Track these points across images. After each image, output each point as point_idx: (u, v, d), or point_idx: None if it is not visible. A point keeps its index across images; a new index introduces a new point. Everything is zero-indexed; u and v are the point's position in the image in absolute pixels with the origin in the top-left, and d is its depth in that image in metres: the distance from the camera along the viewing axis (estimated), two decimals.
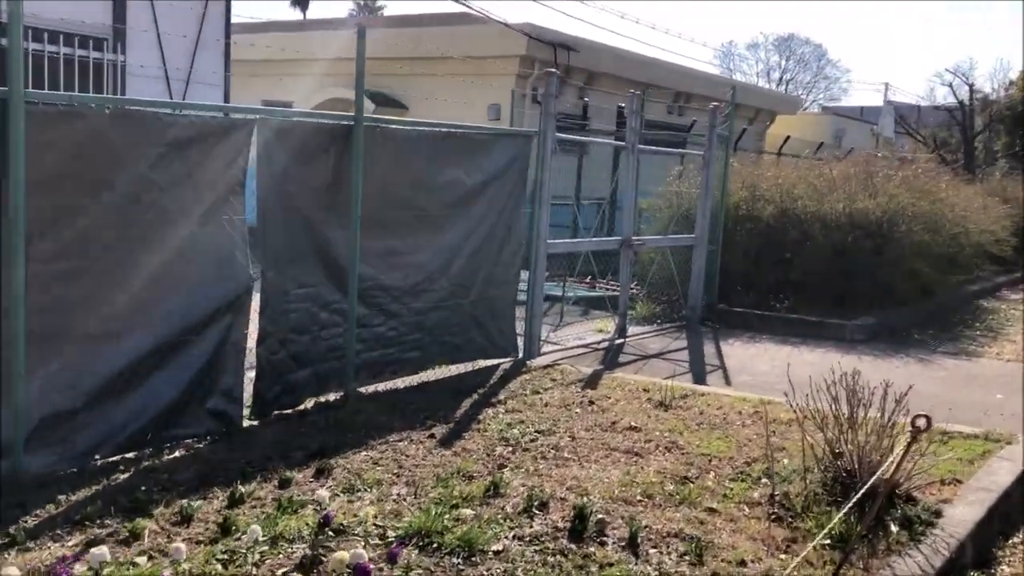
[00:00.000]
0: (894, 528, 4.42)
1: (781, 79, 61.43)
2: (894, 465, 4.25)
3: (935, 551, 4.27)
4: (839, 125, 33.33)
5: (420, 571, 3.75)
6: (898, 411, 4.72)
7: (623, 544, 4.13)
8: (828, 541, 4.19)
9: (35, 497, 4.40)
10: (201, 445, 5.47)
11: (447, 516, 4.23)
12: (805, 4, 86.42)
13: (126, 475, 4.82)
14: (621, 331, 10.00)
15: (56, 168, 4.82)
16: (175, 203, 5.41)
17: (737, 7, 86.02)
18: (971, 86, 29.13)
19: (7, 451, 4.70)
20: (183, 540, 3.90)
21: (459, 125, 7.55)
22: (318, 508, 4.19)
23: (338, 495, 4.55)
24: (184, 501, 4.29)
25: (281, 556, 3.78)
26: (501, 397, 6.78)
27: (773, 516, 4.57)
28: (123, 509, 4.25)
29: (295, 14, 48.70)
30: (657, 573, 3.89)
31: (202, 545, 3.88)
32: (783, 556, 4.12)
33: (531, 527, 4.25)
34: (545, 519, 4.35)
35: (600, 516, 4.35)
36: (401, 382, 7.08)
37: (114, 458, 5.10)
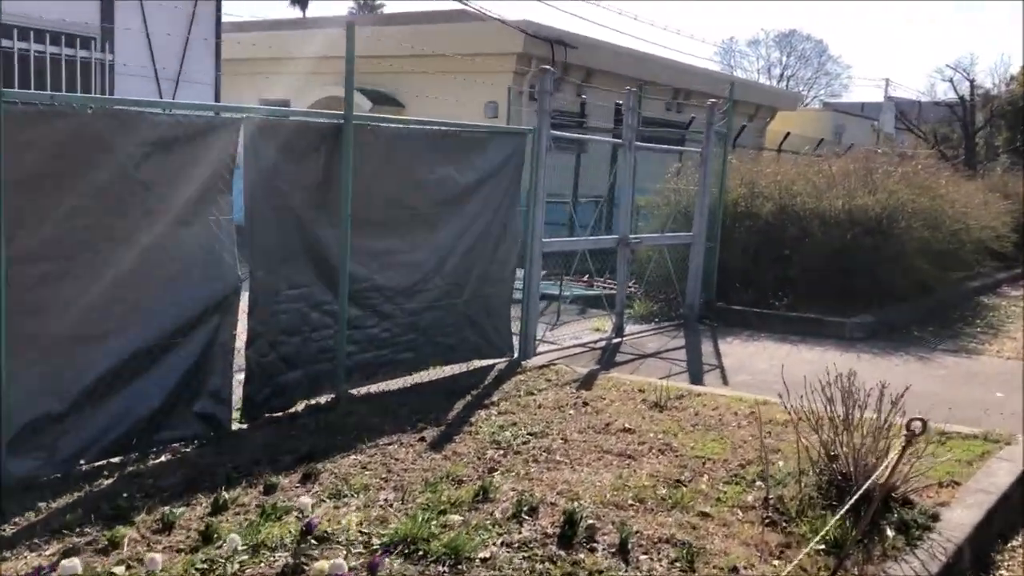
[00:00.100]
0: (890, 533, 4.34)
1: (782, 75, 61.32)
2: (889, 469, 4.17)
3: (932, 556, 4.18)
4: (839, 121, 33.18)
5: None
6: (894, 412, 4.64)
7: (613, 550, 4.05)
8: (823, 546, 4.11)
9: (16, 504, 4.33)
10: (188, 449, 5.39)
11: (434, 522, 4.15)
12: (806, 1, 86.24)
13: (110, 481, 4.75)
14: (618, 330, 9.92)
15: (37, 168, 4.74)
16: (161, 203, 5.33)
17: (738, 4, 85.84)
18: (972, 81, 28.99)
19: None
20: (163, 549, 3.82)
21: (452, 123, 7.46)
22: (300, 516, 4.11)
23: (324, 501, 4.47)
24: (167, 508, 4.21)
25: (262, 565, 3.70)
26: (495, 398, 6.70)
27: (767, 520, 4.48)
28: (104, 516, 4.17)
29: (295, 12, 48.57)
30: None
31: (183, 554, 3.80)
32: (776, 562, 4.04)
33: (520, 533, 4.17)
34: (534, 525, 4.27)
35: (590, 521, 4.27)
36: (394, 383, 7.01)
37: (100, 463, 5.03)
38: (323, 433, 5.67)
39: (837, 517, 4.13)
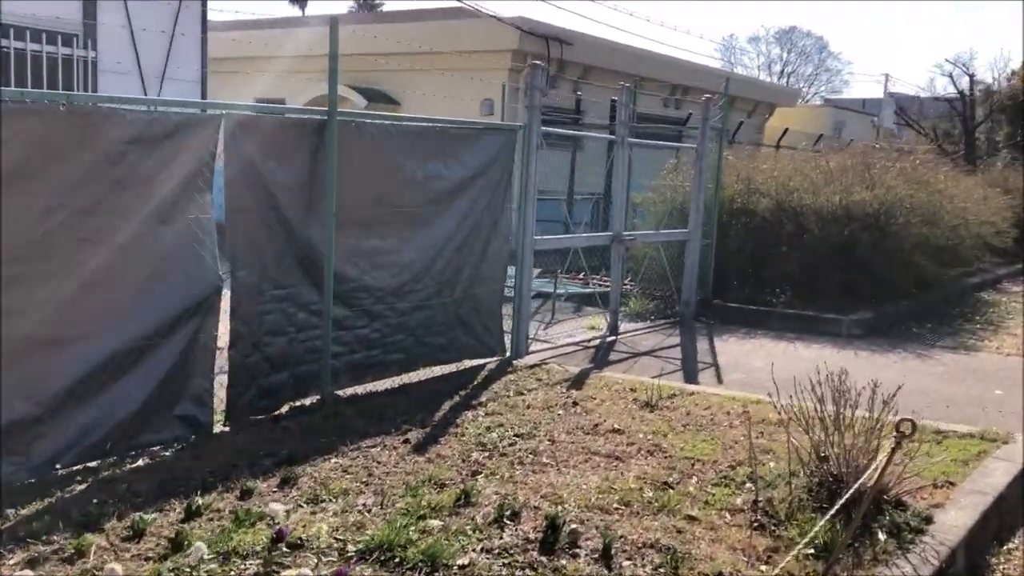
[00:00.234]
0: (881, 536, 4.23)
1: (783, 72, 61.13)
2: (879, 471, 4.05)
3: (924, 560, 4.07)
4: (839, 117, 33.05)
5: None
6: (887, 411, 4.53)
7: (596, 556, 3.93)
8: (811, 551, 3.99)
9: None
10: (167, 453, 5.28)
11: (412, 528, 4.04)
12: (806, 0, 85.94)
13: (83, 486, 4.63)
14: (613, 328, 9.80)
15: (8, 167, 4.63)
16: (138, 202, 5.22)
17: (739, 1, 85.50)
18: (972, 76, 28.79)
19: None
20: (131, 557, 3.72)
21: (440, 119, 7.36)
22: (271, 523, 4.00)
23: (301, 506, 4.35)
24: (138, 515, 4.10)
25: (232, 574, 3.59)
26: (483, 399, 6.58)
27: (755, 524, 4.36)
28: (74, 524, 4.05)
29: (293, 11, 48.41)
30: None
31: (151, 562, 3.68)
32: (763, 567, 3.92)
33: (501, 539, 4.05)
34: (516, 530, 4.15)
35: (574, 526, 4.15)
36: (382, 384, 6.89)
37: (77, 467, 4.92)
38: (306, 436, 5.56)
39: (825, 520, 4.00)
